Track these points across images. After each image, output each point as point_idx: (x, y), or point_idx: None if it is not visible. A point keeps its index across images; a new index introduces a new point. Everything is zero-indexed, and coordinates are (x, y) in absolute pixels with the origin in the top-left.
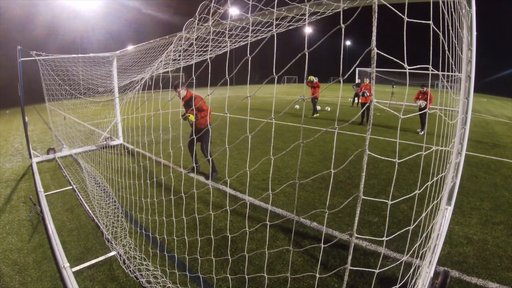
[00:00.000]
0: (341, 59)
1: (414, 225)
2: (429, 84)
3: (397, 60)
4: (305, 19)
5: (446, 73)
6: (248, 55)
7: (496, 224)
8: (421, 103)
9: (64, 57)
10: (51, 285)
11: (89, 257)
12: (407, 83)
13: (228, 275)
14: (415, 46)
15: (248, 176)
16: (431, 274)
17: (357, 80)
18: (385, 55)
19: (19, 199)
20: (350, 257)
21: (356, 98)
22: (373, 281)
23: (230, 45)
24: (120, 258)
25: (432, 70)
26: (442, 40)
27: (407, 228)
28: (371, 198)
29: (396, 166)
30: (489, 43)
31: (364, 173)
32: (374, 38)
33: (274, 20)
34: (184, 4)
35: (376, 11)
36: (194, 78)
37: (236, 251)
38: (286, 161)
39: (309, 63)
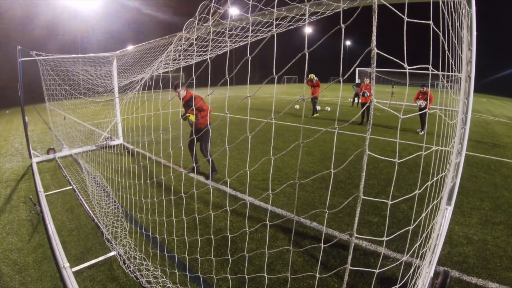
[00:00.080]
0: (341, 59)
1: (414, 225)
2: (429, 84)
3: (397, 60)
4: (305, 19)
5: (446, 73)
6: (248, 55)
7: (496, 224)
8: (421, 103)
9: (64, 57)
10: (51, 285)
11: (89, 257)
12: (407, 83)
13: (228, 275)
14: (415, 46)
15: (248, 176)
16: (431, 274)
17: (357, 80)
18: (385, 55)
19: (19, 199)
20: (350, 257)
21: (356, 98)
22: (373, 281)
23: (230, 45)
24: (120, 258)
25: (432, 70)
26: (442, 40)
27: (407, 228)
28: (371, 198)
29: (396, 166)
30: (489, 43)
31: (364, 173)
32: (374, 38)
33: (274, 20)
34: (184, 4)
35: (376, 11)
36: (194, 78)
37: (236, 251)
38: (286, 161)
39: (309, 63)
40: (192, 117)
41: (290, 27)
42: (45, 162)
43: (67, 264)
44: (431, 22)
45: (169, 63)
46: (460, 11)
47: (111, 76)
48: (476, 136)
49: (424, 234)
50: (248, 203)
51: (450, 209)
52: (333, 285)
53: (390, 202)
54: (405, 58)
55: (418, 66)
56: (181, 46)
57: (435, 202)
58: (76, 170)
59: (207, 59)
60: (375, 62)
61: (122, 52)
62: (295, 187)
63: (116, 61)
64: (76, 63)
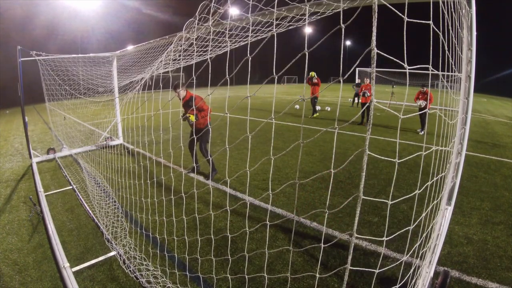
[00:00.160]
0: (341, 59)
1: (414, 225)
2: (429, 84)
3: (397, 60)
4: (305, 19)
5: (446, 73)
6: (248, 55)
7: (496, 224)
8: (421, 103)
9: (64, 57)
10: (51, 285)
11: (89, 257)
12: (407, 83)
13: (228, 275)
14: (415, 46)
15: (248, 176)
16: (431, 274)
17: (357, 80)
18: (385, 55)
19: (19, 199)
20: (350, 257)
21: (356, 98)
22: (373, 281)
23: (230, 45)
24: (120, 258)
25: (432, 70)
26: (442, 40)
27: (407, 228)
28: (371, 198)
29: (396, 166)
30: (489, 43)
31: (364, 173)
32: (374, 38)
33: (274, 20)
34: (184, 4)
35: (376, 11)
36: (194, 78)
37: (236, 251)
38: (286, 161)
39: (309, 63)
40: (192, 117)
41: (290, 27)
42: (45, 162)
43: (67, 264)
44: (431, 22)
45: (169, 63)
46: (460, 11)
47: (111, 76)
48: (476, 136)
49: (424, 234)
50: (248, 203)
51: (450, 209)
52: (333, 285)
53: (390, 202)
54: (405, 58)
55: (418, 66)
56: (181, 46)
57: (435, 202)
58: (76, 170)
59: (207, 59)
60: (375, 62)
61: (122, 52)
62: (295, 187)
63: (116, 61)
64: (76, 63)
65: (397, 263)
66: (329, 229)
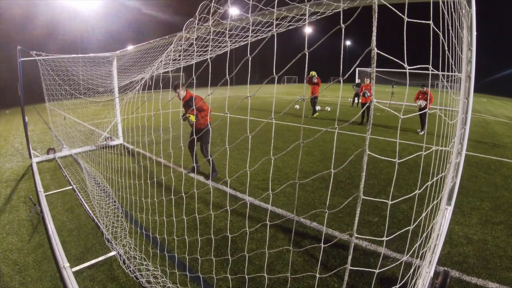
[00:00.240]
0: (341, 59)
1: (414, 225)
2: (429, 84)
3: (397, 60)
4: (305, 19)
5: (446, 73)
6: (248, 55)
7: (496, 224)
8: (421, 103)
9: (64, 57)
10: (51, 285)
11: (89, 257)
12: (407, 83)
13: (228, 275)
14: (415, 46)
15: (248, 176)
16: (431, 274)
17: (357, 80)
18: (385, 55)
19: (19, 199)
20: (350, 257)
21: (356, 98)
22: (373, 281)
23: (230, 45)
24: (120, 258)
25: (432, 70)
26: (442, 40)
27: (407, 228)
28: (371, 198)
29: (396, 166)
30: (489, 43)
31: (364, 173)
32: (374, 38)
33: (274, 20)
34: (184, 4)
35: (376, 11)
36: (194, 78)
37: (236, 251)
38: (286, 161)
39: (309, 63)
40: (193, 117)
41: (290, 27)
42: (45, 162)
43: (67, 264)
44: (431, 22)
45: (169, 63)
46: (460, 11)
47: (111, 76)
48: (476, 136)
49: (424, 234)
50: (248, 203)
51: (450, 209)
52: (333, 285)
53: (390, 202)
54: (405, 58)
55: (418, 66)
56: (181, 46)
57: (435, 202)
58: (76, 170)
59: (207, 59)
60: (375, 62)
61: (122, 52)
62: (295, 187)
63: (116, 61)
64: (76, 63)
65: (397, 263)
66: (329, 229)
